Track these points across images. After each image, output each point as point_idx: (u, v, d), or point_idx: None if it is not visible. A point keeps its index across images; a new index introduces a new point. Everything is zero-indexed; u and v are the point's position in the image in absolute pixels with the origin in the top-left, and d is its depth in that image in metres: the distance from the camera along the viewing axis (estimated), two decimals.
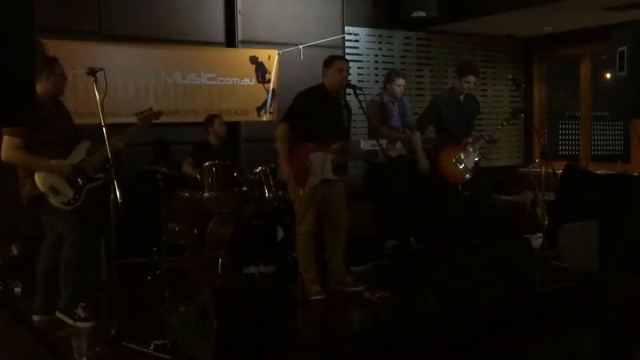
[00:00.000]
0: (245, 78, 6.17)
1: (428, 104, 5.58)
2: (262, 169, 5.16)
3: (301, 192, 4.32)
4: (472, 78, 5.15)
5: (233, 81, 6.09)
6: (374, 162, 5.64)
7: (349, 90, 4.56)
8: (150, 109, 4.29)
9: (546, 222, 5.78)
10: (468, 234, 5.07)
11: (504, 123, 5.30)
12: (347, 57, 6.65)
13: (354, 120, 5.51)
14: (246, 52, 6.19)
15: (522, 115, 5.86)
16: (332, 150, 4.35)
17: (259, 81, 6.24)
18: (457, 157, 5.20)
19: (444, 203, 5.23)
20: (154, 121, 4.29)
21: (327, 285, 4.60)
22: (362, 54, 7.10)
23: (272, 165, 5.13)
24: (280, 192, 5.06)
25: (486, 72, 7.95)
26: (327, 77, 4.42)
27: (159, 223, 4.27)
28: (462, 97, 5.25)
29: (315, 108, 4.34)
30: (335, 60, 4.42)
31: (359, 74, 7.07)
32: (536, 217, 6.12)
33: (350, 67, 4.86)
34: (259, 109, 6.29)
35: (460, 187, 5.19)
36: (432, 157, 5.32)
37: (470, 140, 5.25)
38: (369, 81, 7.13)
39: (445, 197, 5.20)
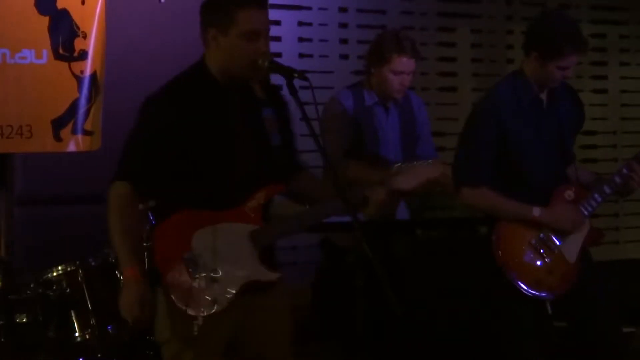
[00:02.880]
0: (27, 48, 6.03)
1: (471, 114, 5.25)
2: (65, 271, 5.24)
3: (179, 327, 3.96)
4: (575, 59, 4.94)
5: None
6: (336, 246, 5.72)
7: (277, 79, 4.47)
8: None
9: None
10: None
11: None
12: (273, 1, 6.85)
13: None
14: None
15: None
16: (247, 213, 4.16)
17: (57, 56, 6.05)
18: (542, 235, 4.92)
19: (513, 341, 5.03)
20: None
21: None
22: None
23: (90, 261, 5.24)
24: (117, 328, 5.09)
25: (604, 40, 8.20)
26: (222, 47, 4.15)
27: None
28: (544, 94, 5.02)
29: (195, 127, 4.12)
30: (241, 7, 4.12)
31: (300, 40, 7.08)
32: None
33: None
34: (57, 124, 6.08)
35: (549, 308, 4.96)
36: (481, 236, 5.31)
37: (569, 194, 5.04)
38: (324, 57, 7.17)
39: (515, 328, 5.02)
